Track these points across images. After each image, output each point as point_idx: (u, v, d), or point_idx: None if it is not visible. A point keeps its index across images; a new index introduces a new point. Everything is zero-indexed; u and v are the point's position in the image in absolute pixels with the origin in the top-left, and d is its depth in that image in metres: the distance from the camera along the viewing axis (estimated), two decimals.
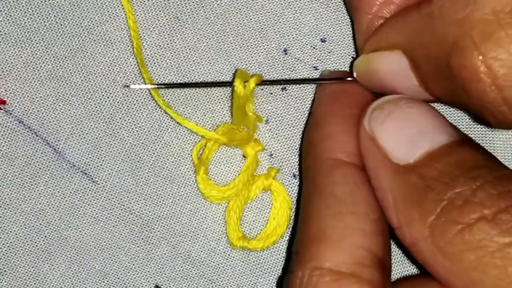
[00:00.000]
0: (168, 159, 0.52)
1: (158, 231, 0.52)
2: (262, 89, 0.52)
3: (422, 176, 0.42)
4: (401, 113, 0.45)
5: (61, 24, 0.51)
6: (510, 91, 0.40)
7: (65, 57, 0.51)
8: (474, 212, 0.40)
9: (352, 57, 0.52)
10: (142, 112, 0.52)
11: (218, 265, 0.53)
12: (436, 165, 0.42)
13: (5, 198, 0.51)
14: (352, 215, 0.44)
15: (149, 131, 0.52)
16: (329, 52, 0.52)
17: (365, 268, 0.43)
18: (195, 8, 0.52)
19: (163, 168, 0.52)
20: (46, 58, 0.51)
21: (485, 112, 0.42)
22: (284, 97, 0.53)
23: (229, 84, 0.50)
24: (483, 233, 0.40)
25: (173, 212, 0.52)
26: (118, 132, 0.52)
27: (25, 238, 0.52)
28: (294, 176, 0.53)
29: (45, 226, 0.52)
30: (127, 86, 0.51)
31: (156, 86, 0.51)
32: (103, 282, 0.52)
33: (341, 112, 0.48)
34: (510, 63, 0.39)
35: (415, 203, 0.42)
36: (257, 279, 0.53)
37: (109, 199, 0.52)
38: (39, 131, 0.51)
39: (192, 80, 0.52)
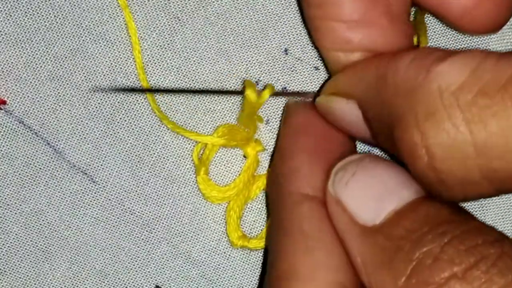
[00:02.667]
0: (168, 160, 0.52)
1: (159, 231, 0.52)
2: (262, 88, 0.52)
3: (390, 237, 0.42)
4: (365, 172, 0.44)
5: (61, 24, 0.51)
6: (446, 175, 0.40)
7: (66, 57, 0.51)
8: (444, 270, 0.39)
9: None
10: (142, 112, 0.52)
11: (219, 265, 0.53)
12: (404, 224, 0.42)
13: (5, 198, 0.51)
14: (321, 250, 0.44)
15: (149, 131, 0.52)
16: None
17: None
18: (195, 8, 0.52)
19: (164, 168, 0.52)
20: (46, 58, 0.51)
21: (421, 183, 0.42)
22: (284, 97, 0.52)
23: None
24: None
25: (173, 212, 0.52)
26: (118, 132, 0.52)
27: (25, 238, 0.52)
28: None
29: (45, 226, 0.52)
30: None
31: (155, 90, 0.51)
32: (103, 282, 0.52)
33: (308, 144, 0.47)
34: (448, 146, 0.39)
35: (385, 265, 0.41)
36: (258, 279, 0.52)
37: (110, 199, 0.52)
38: (39, 131, 0.51)
39: (193, 80, 0.52)
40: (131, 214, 0.52)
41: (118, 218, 0.52)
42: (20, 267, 0.52)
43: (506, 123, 0.38)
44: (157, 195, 0.52)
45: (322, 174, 0.46)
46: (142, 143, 0.52)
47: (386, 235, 0.42)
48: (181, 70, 0.52)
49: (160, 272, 0.52)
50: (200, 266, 0.52)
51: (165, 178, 0.52)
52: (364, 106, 0.44)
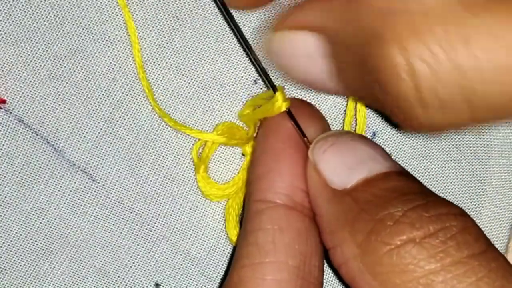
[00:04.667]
0: (168, 158, 0.52)
1: (158, 229, 0.52)
2: (261, 88, 0.53)
3: (357, 199, 0.42)
4: (342, 143, 0.45)
5: (61, 24, 0.51)
6: (428, 93, 0.38)
7: (65, 57, 0.51)
8: (403, 233, 0.40)
9: None
10: (141, 111, 0.52)
11: (218, 263, 0.53)
12: (371, 190, 0.42)
13: (5, 197, 0.51)
14: (271, 264, 0.44)
15: (148, 129, 0.52)
16: None
17: None
18: (194, 7, 0.52)
19: (163, 166, 0.52)
20: (46, 58, 0.51)
21: (396, 112, 0.40)
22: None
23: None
24: (410, 256, 0.39)
25: (173, 210, 0.52)
26: (118, 131, 0.52)
27: (25, 237, 0.52)
28: None
29: (45, 225, 0.52)
30: None
31: None
32: (103, 280, 0.52)
33: (274, 149, 0.47)
34: (432, 65, 0.37)
35: (348, 224, 0.42)
36: None
37: (109, 198, 0.52)
38: (39, 130, 0.51)
39: (192, 79, 0.52)
40: (131, 212, 0.52)
41: (117, 216, 0.52)
42: (20, 265, 0.52)
43: (492, 45, 0.36)
44: (157, 193, 0.52)
45: (289, 177, 0.46)
46: (142, 142, 0.52)
47: (354, 198, 0.42)
48: (180, 69, 0.52)
49: (160, 270, 0.53)
50: (200, 263, 0.53)
51: (164, 176, 0.52)
52: (331, 35, 0.41)
